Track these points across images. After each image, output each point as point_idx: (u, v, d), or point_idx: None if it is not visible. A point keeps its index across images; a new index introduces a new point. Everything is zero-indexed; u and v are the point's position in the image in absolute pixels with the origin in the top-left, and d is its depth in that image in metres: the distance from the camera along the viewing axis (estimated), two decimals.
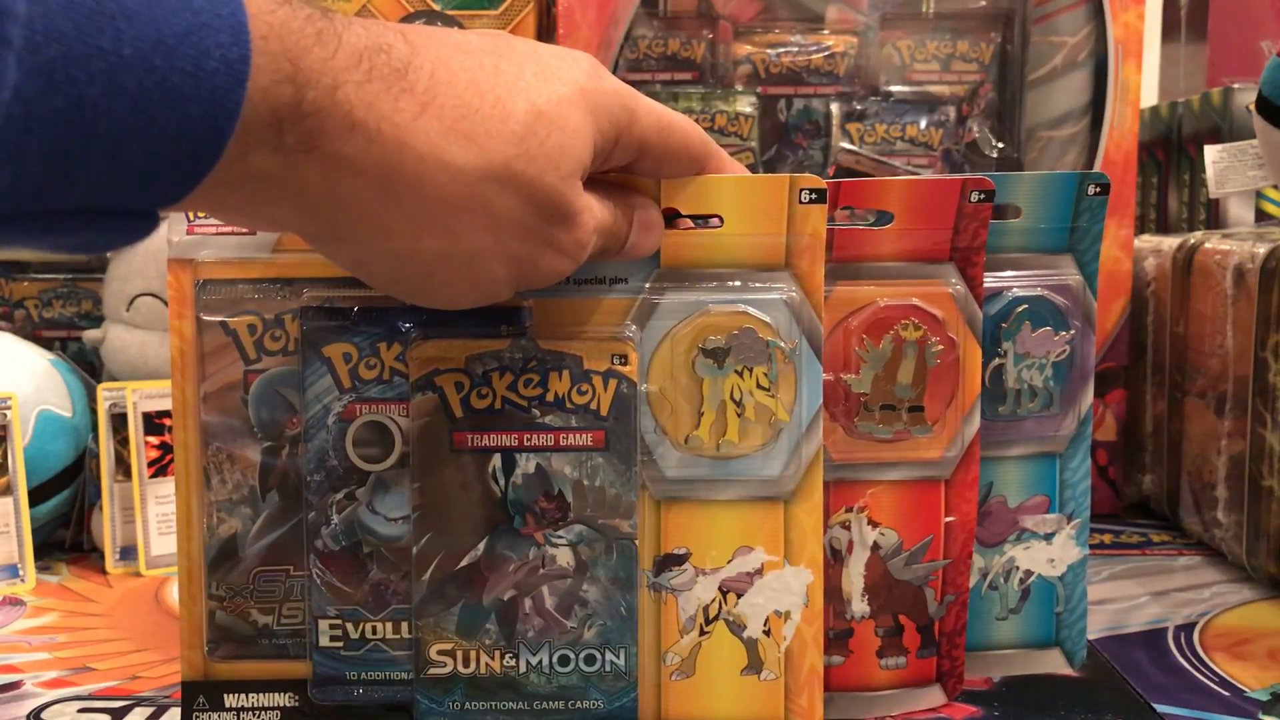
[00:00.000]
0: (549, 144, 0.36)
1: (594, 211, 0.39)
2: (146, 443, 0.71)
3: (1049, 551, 0.52)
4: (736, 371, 0.45)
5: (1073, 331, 0.51)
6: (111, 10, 0.27)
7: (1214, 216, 0.89)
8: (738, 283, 0.45)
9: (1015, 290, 0.50)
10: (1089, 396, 0.52)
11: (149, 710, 0.51)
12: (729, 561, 0.46)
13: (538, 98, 0.36)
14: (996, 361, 0.50)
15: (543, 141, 0.36)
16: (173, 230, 0.45)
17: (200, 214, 0.45)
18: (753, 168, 0.81)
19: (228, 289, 0.45)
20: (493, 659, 0.45)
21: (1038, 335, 0.50)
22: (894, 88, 0.83)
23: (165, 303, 0.67)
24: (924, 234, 0.47)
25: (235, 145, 0.31)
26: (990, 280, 0.49)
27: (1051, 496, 0.52)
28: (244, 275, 0.45)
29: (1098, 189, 0.50)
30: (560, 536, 0.45)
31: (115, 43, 0.28)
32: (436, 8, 0.78)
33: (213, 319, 0.45)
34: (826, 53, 0.82)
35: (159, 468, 0.71)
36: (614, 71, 0.79)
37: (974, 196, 0.47)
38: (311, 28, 0.32)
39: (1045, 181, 0.50)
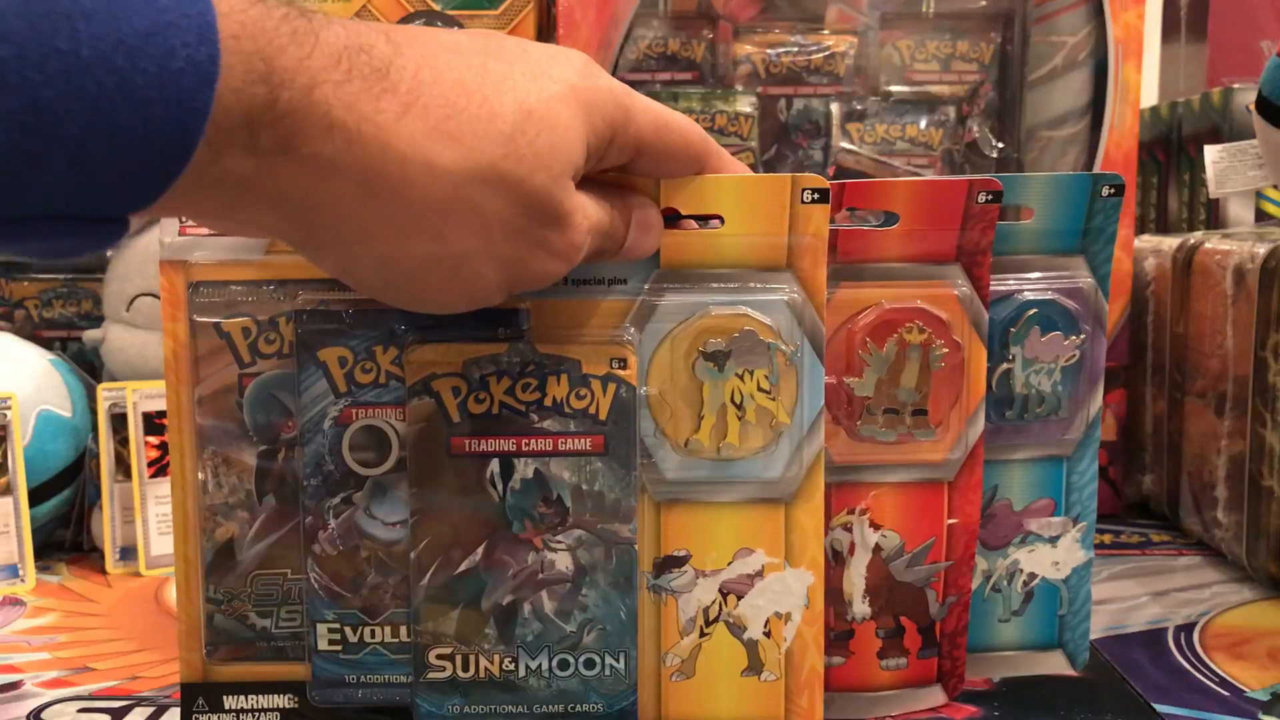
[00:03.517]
0: (538, 143, 0.35)
1: (587, 212, 0.38)
2: (146, 443, 0.71)
3: (1053, 554, 0.52)
4: (737, 374, 0.45)
5: (1083, 336, 0.50)
6: (68, 9, 0.27)
7: (1214, 216, 0.89)
8: (738, 284, 0.45)
9: (1026, 294, 0.50)
10: (1098, 400, 0.51)
11: (149, 710, 0.51)
12: (729, 563, 0.46)
13: (527, 96, 0.35)
14: (1004, 366, 0.50)
15: (532, 141, 0.35)
16: (165, 232, 0.45)
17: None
18: (753, 168, 0.81)
19: (221, 291, 0.45)
20: (492, 663, 0.45)
21: (1047, 340, 0.50)
22: (894, 88, 0.83)
23: None
24: (930, 235, 0.47)
25: (207, 147, 0.30)
26: (1000, 283, 0.49)
27: (1058, 500, 0.52)
28: (237, 277, 0.45)
29: (1112, 190, 0.49)
30: (559, 541, 0.44)
31: (72, 43, 0.27)
32: (436, 8, 0.78)
33: (206, 321, 0.45)
34: (826, 53, 0.82)
35: (159, 468, 0.71)
36: (614, 72, 0.79)
37: (981, 197, 0.46)
38: (286, 27, 0.31)
39: (1058, 183, 0.49)
